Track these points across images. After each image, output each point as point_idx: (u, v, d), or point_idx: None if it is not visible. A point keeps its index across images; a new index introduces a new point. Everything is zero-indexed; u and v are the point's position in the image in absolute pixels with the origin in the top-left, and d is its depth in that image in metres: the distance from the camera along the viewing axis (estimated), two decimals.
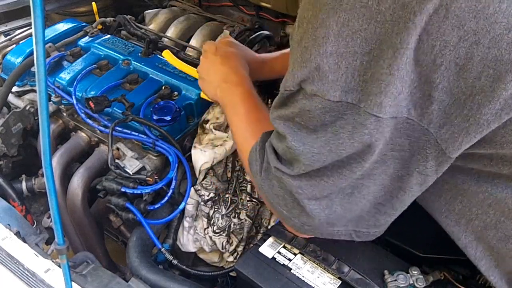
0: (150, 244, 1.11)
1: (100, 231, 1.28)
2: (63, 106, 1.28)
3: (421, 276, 0.87)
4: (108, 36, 1.45)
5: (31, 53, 1.35)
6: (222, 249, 1.17)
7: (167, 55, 1.26)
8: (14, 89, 1.34)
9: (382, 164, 0.67)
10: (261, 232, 1.19)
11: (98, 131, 1.24)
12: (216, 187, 1.15)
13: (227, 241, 1.17)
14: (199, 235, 1.17)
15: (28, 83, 1.37)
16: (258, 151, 0.81)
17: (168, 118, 1.15)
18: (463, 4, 0.55)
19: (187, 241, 1.18)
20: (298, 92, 0.67)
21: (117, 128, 1.14)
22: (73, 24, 1.48)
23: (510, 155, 0.66)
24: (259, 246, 0.95)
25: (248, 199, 1.17)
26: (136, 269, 1.05)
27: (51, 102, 1.26)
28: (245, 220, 1.16)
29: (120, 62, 1.33)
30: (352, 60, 0.60)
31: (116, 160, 1.10)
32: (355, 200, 0.72)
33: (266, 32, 1.47)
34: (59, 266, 0.83)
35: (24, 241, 0.93)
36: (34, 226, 1.20)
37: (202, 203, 1.15)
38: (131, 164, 1.13)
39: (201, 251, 1.22)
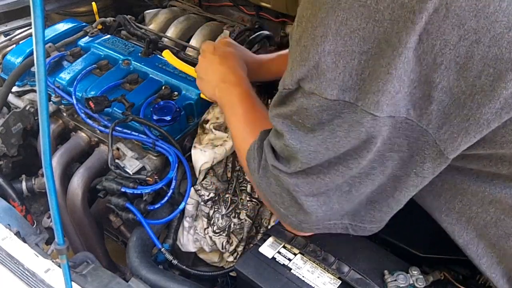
0: (150, 244, 1.11)
1: (100, 231, 1.28)
2: (63, 106, 1.28)
3: (421, 276, 0.87)
4: (108, 36, 1.45)
5: (31, 53, 1.35)
6: (222, 249, 1.17)
7: (167, 55, 1.26)
8: (14, 89, 1.34)
9: (381, 165, 0.67)
10: (261, 232, 1.19)
11: (98, 131, 1.24)
12: (216, 187, 1.15)
13: (227, 241, 1.17)
14: (199, 235, 1.17)
15: (28, 83, 1.37)
16: (256, 149, 0.81)
17: (168, 118, 1.15)
18: (463, 3, 0.55)
19: (187, 241, 1.18)
20: (296, 90, 0.67)
21: (117, 128, 1.14)
22: (73, 24, 1.48)
23: (510, 155, 0.66)
24: (259, 246, 0.95)
25: (248, 199, 1.17)
26: (136, 269, 1.05)
27: (51, 102, 1.26)
28: (245, 220, 1.16)
29: (120, 62, 1.33)
30: (350, 59, 0.60)
31: (116, 160, 1.10)
32: (352, 198, 0.72)
33: (266, 32, 1.47)
34: (59, 266, 0.83)
35: (24, 241, 0.93)
36: (34, 226, 1.20)
37: (202, 203, 1.15)
38: (131, 164, 1.13)
39: (201, 251, 1.22)
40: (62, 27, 1.47)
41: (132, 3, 1.91)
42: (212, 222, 1.16)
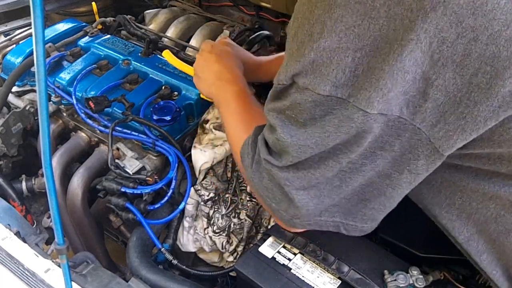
0: (150, 244, 1.11)
1: (100, 231, 1.28)
2: (63, 106, 1.28)
3: (421, 276, 0.87)
4: (108, 36, 1.45)
5: (31, 53, 1.35)
6: (222, 249, 1.17)
7: (167, 55, 1.26)
8: (14, 89, 1.34)
9: (372, 162, 0.67)
10: (261, 232, 1.19)
11: (98, 131, 1.24)
12: (216, 187, 1.15)
13: (227, 241, 1.17)
14: (199, 235, 1.18)
15: (28, 83, 1.37)
16: (250, 144, 0.82)
17: (168, 118, 1.15)
18: (461, 0, 0.55)
19: (187, 241, 1.18)
20: (291, 85, 0.68)
21: (117, 128, 1.14)
22: (73, 24, 1.48)
23: (508, 154, 0.66)
24: (259, 246, 0.95)
25: (248, 199, 1.17)
26: (136, 269, 1.05)
27: (51, 102, 1.26)
28: (245, 220, 1.16)
29: (120, 62, 1.33)
30: (344, 56, 0.60)
31: (116, 160, 1.10)
32: (343, 192, 0.72)
33: (266, 32, 1.47)
34: (59, 266, 0.83)
35: (24, 241, 0.93)
36: (34, 226, 1.20)
37: (202, 203, 1.15)
38: (131, 164, 1.13)
39: (201, 251, 1.22)
40: (62, 27, 1.47)
41: (132, 3, 1.91)
42: (212, 222, 1.16)
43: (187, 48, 1.48)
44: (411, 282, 0.86)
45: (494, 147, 0.65)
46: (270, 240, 0.96)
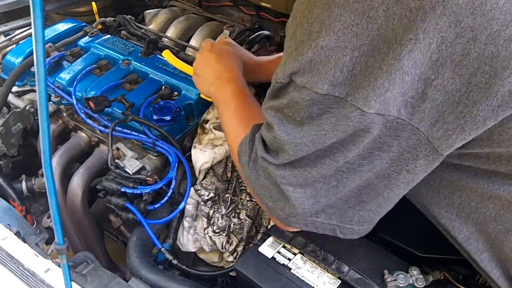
0: (150, 244, 1.11)
1: (100, 231, 1.28)
2: (63, 106, 1.28)
3: (421, 276, 0.87)
4: (108, 36, 1.45)
5: (31, 53, 1.35)
6: (222, 249, 1.17)
7: (167, 55, 1.26)
8: (14, 89, 1.34)
9: (369, 163, 0.67)
10: (261, 232, 1.19)
11: (98, 131, 1.24)
12: (216, 187, 1.15)
13: (227, 241, 1.17)
14: (199, 235, 1.18)
15: (28, 83, 1.37)
16: (248, 142, 0.82)
17: (168, 118, 1.15)
18: (460, 0, 0.55)
19: (187, 241, 1.18)
20: (288, 84, 0.68)
21: (117, 128, 1.14)
22: (73, 24, 1.48)
23: (507, 154, 0.66)
24: (259, 246, 0.95)
25: (248, 199, 1.17)
26: (136, 269, 1.05)
27: (51, 102, 1.26)
28: (245, 220, 1.16)
29: (120, 62, 1.33)
30: (342, 55, 0.60)
31: (116, 160, 1.10)
32: (339, 193, 0.72)
33: (266, 32, 1.47)
34: (59, 266, 0.83)
35: (24, 241, 0.93)
36: (34, 226, 1.20)
37: (202, 203, 1.15)
38: (131, 164, 1.13)
39: (201, 251, 1.22)
40: (62, 27, 1.47)
41: (132, 3, 1.91)
42: (212, 222, 1.16)
43: (187, 48, 1.48)
44: (411, 282, 0.86)
45: (493, 147, 0.65)
46: (270, 240, 0.96)
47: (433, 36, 0.56)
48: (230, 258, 1.19)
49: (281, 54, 1.22)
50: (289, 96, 0.67)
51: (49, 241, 1.08)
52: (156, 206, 1.09)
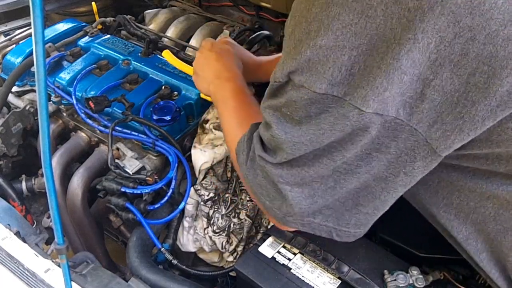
0: (150, 244, 1.11)
1: (100, 231, 1.28)
2: (63, 106, 1.28)
3: (421, 276, 0.87)
4: (108, 36, 1.45)
5: (31, 53, 1.35)
6: (222, 249, 1.17)
7: (167, 55, 1.26)
8: (14, 89, 1.34)
9: (367, 164, 0.67)
10: (261, 232, 1.19)
11: (98, 131, 1.24)
12: (216, 187, 1.15)
13: (227, 241, 1.17)
14: (199, 235, 1.18)
15: (28, 83, 1.37)
16: (246, 141, 0.82)
17: (168, 118, 1.15)
18: (459, 0, 0.55)
19: (187, 241, 1.18)
20: (286, 83, 0.68)
21: (117, 128, 1.14)
22: (73, 24, 1.48)
23: (506, 154, 0.66)
24: (259, 246, 0.95)
25: (248, 199, 1.17)
26: (136, 269, 1.05)
27: (51, 102, 1.26)
28: (245, 220, 1.16)
29: (120, 62, 1.33)
30: (340, 54, 0.60)
31: (116, 160, 1.10)
32: (336, 194, 0.71)
33: (266, 32, 1.47)
34: (59, 266, 0.83)
35: (24, 241, 0.93)
36: (34, 226, 1.20)
37: (202, 203, 1.15)
38: (131, 164, 1.13)
39: (201, 251, 1.22)
40: (62, 27, 1.47)
41: (132, 3, 1.91)
42: (212, 222, 1.16)
43: (187, 48, 1.48)
44: (411, 282, 0.86)
45: (492, 147, 0.65)
46: (270, 240, 0.96)
47: (431, 36, 0.56)
48: (230, 258, 1.19)
49: (280, 54, 1.22)
50: (287, 95, 0.67)
51: (49, 241, 1.08)
52: (156, 206, 1.09)
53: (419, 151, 0.64)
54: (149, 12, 1.66)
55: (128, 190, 1.05)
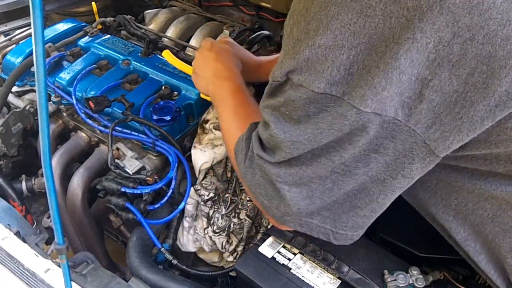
0: (150, 244, 1.11)
1: (100, 231, 1.28)
2: (63, 106, 1.28)
3: (420, 276, 0.87)
4: (108, 36, 1.45)
5: (31, 53, 1.35)
6: (222, 249, 1.17)
7: (167, 55, 1.26)
8: (14, 89, 1.34)
9: (365, 166, 0.67)
10: (261, 232, 1.19)
11: (98, 131, 1.24)
12: (216, 187, 1.15)
13: (227, 241, 1.17)
14: (199, 235, 1.18)
15: (28, 83, 1.37)
16: (244, 140, 0.82)
17: (168, 118, 1.15)
18: (457, 0, 0.55)
19: (187, 241, 1.18)
20: (285, 82, 0.68)
21: (117, 128, 1.14)
22: (73, 24, 1.48)
23: (505, 154, 0.66)
24: (259, 246, 0.95)
25: (248, 199, 1.17)
26: (136, 269, 1.05)
27: (51, 102, 1.27)
28: (245, 220, 1.16)
29: (120, 62, 1.33)
30: (339, 54, 0.60)
31: (116, 160, 1.10)
32: (334, 195, 0.71)
33: (266, 32, 1.47)
34: (59, 266, 0.83)
35: (24, 241, 0.93)
36: (34, 226, 1.20)
37: (202, 203, 1.15)
38: (131, 164, 1.13)
39: (201, 251, 1.22)
40: (62, 27, 1.47)
41: (132, 3, 1.91)
42: (212, 222, 1.16)
43: (187, 48, 1.48)
44: (411, 282, 0.86)
45: (491, 148, 0.65)
46: (270, 240, 0.96)
47: (430, 35, 0.56)
48: (230, 258, 1.19)
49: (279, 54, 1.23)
50: (286, 95, 0.67)
51: (49, 241, 1.08)
52: (156, 206, 1.09)
53: (417, 152, 0.64)
54: (149, 12, 1.66)
55: (128, 190, 1.05)
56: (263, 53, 1.43)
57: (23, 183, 1.31)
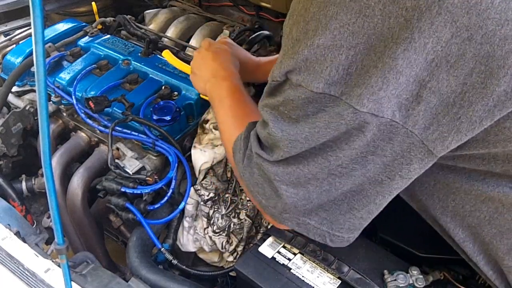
0: (150, 244, 1.11)
1: (100, 231, 1.28)
2: (63, 106, 1.28)
3: (421, 276, 0.87)
4: (108, 36, 1.45)
5: (31, 53, 1.35)
6: (222, 249, 1.17)
7: (167, 55, 1.26)
8: (14, 89, 1.34)
9: (362, 167, 0.67)
10: (261, 232, 1.19)
11: (98, 131, 1.24)
12: (216, 187, 1.15)
13: (227, 241, 1.17)
14: (199, 235, 1.18)
15: (28, 83, 1.37)
16: (243, 139, 0.82)
17: (168, 118, 1.15)
18: (456, 0, 0.55)
19: (187, 241, 1.18)
20: (284, 82, 0.68)
21: (117, 128, 1.14)
22: (73, 24, 1.48)
23: (502, 154, 0.66)
24: (259, 246, 0.95)
25: (248, 199, 1.17)
26: (136, 269, 1.05)
27: (51, 102, 1.27)
28: (245, 220, 1.16)
29: (120, 62, 1.33)
30: (337, 54, 0.60)
31: (116, 160, 1.10)
32: (331, 196, 0.71)
33: (266, 32, 1.47)
34: (59, 266, 0.83)
35: (24, 241, 0.93)
36: (34, 226, 1.20)
37: (202, 203, 1.15)
38: (131, 164, 1.13)
39: (201, 251, 1.22)
40: (62, 27, 1.47)
41: (132, 3, 1.91)
42: (212, 222, 1.16)
43: (187, 48, 1.48)
44: (411, 282, 0.86)
45: (489, 148, 0.65)
46: (270, 240, 0.96)
47: (428, 36, 0.56)
48: (230, 258, 1.19)
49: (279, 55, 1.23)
50: (285, 94, 0.67)
51: (49, 241, 1.08)
52: (156, 206, 1.09)
53: (415, 153, 0.64)
54: (149, 12, 1.66)
55: (128, 190, 1.05)
56: (263, 53, 1.43)
57: (23, 183, 1.31)
